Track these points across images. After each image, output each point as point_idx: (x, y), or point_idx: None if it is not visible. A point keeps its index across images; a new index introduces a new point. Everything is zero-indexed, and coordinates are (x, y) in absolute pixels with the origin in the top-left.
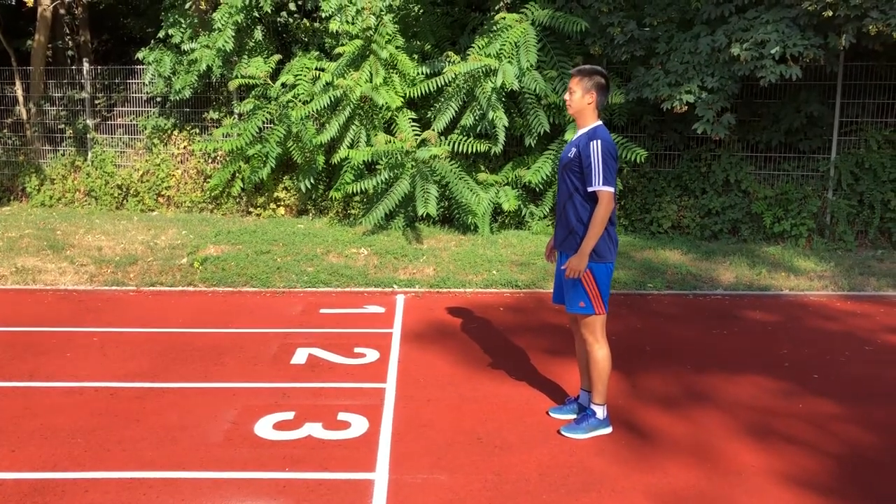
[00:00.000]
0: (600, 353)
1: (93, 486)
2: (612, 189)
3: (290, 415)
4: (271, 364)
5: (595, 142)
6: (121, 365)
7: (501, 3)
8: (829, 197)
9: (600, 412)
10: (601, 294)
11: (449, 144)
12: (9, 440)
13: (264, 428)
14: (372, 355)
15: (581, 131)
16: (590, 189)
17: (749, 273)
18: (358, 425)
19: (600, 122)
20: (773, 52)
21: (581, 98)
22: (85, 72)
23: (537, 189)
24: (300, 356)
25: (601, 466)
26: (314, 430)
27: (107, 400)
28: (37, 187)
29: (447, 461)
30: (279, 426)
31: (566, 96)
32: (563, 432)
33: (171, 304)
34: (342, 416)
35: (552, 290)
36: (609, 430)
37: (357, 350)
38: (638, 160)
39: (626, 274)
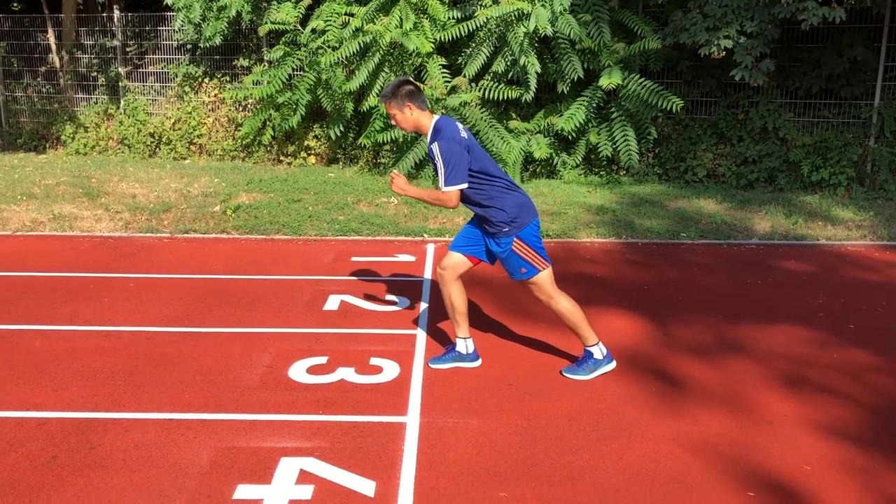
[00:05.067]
0: (561, 305)
1: (133, 425)
2: (455, 188)
3: (323, 359)
4: (304, 310)
5: (434, 145)
6: (157, 310)
7: None
8: (871, 144)
9: (597, 352)
10: (536, 252)
11: (479, 91)
12: (51, 381)
13: (298, 372)
14: (403, 302)
15: (428, 137)
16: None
17: (785, 222)
18: (390, 370)
19: (436, 117)
20: None
21: (404, 115)
22: (116, 19)
23: (570, 137)
24: (332, 303)
25: (631, 413)
26: (347, 374)
27: (144, 344)
28: (71, 135)
29: (478, 406)
30: (313, 370)
31: (393, 123)
32: (564, 373)
33: (205, 250)
34: (374, 360)
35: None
36: (613, 364)
37: (388, 297)
38: (674, 109)
39: (660, 223)
